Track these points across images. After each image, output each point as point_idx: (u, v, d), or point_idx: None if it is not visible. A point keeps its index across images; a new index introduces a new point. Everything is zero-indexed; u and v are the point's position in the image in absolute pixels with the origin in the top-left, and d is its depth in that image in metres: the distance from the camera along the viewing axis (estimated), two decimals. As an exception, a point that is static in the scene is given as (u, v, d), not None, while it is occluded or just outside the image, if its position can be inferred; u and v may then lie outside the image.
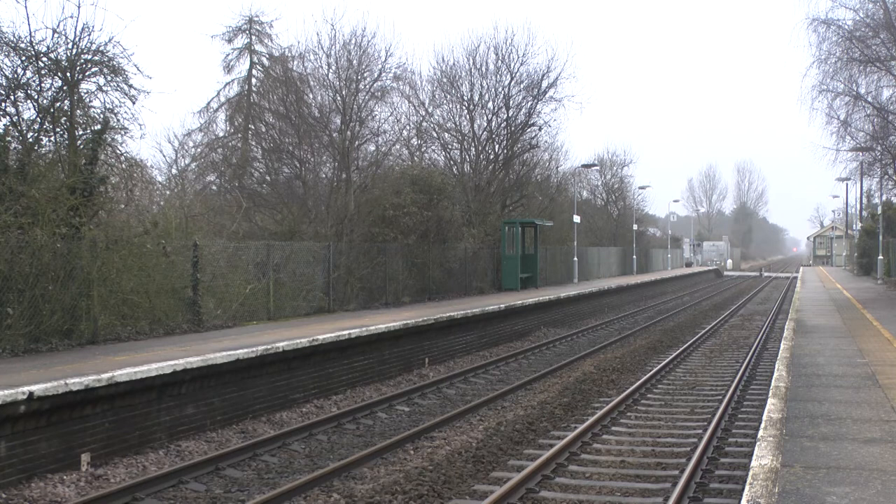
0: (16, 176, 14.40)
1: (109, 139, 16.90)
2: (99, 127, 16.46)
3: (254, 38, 41.84)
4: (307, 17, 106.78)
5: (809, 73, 40.37)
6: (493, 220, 33.88)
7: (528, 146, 37.45)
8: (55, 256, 13.66)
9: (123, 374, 10.71)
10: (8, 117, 15.80)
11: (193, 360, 11.94)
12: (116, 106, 16.87)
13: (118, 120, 16.94)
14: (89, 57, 16.61)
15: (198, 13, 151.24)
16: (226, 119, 41.41)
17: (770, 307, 38.06)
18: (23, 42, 15.87)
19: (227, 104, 41.34)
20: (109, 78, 16.87)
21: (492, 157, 36.24)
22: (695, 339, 24.21)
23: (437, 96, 35.82)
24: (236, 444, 11.59)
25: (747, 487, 6.07)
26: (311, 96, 29.92)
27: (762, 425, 8.08)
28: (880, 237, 41.63)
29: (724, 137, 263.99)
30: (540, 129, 37.01)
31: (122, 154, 17.69)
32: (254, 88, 40.46)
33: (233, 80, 41.78)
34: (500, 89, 35.77)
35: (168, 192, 26.88)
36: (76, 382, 10.03)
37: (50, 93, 16.24)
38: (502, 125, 35.99)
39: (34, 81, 16.08)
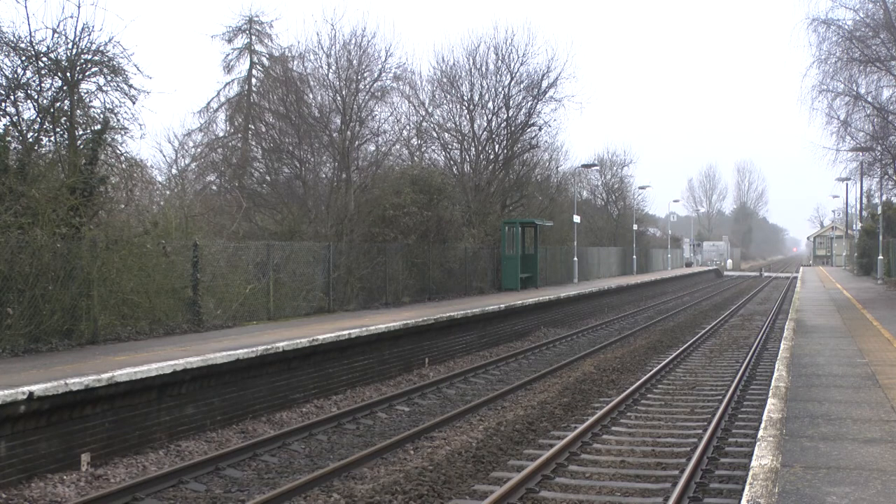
0: (16, 176, 14.40)
1: (109, 139, 16.91)
2: (99, 127, 16.46)
3: (254, 38, 41.84)
4: (307, 17, 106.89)
5: (809, 73, 40.49)
6: (493, 220, 33.88)
7: (528, 146, 37.46)
8: (55, 256, 13.66)
9: (123, 374, 10.71)
10: (8, 117, 15.82)
11: (193, 360, 11.93)
12: (116, 106, 16.90)
13: (118, 120, 16.96)
14: (89, 57, 16.61)
15: (198, 13, 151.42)
16: (226, 119, 41.42)
17: (770, 307, 38.06)
18: (23, 42, 15.89)
19: (227, 104, 41.33)
20: (109, 78, 16.88)
21: (492, 157, 36.24)
22: (695, 339, 24.21)
23: (437, 96, 35.86)
24: (236, 444, 11.59)
25: (747, 487, 6.07)
26: (311, 96, 29.94)
27: (762, 425, 8.08)
28: (880, 237, 41.63)
29: (724, 137, 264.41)
30: (540, 129, 37.06)
31: (122, 154, 17.70)
32: (254, 88, 40.46)
33: (233, 80, 41.82)
34: (500, 89, 35.80)
35: (168, 192, 26.88)
36: (76, 382, 10.03)
37: (50, 93, 16.25)
38: (502, 125, 36.00)
39: (34, 81, 16.09)
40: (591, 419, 12.60)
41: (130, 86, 17.00)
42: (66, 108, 16.34)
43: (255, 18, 41.62)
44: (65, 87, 16.27)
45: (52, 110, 16.14)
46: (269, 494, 9.10)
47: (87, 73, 16.65)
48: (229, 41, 41.57)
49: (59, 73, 16.20)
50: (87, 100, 16.82)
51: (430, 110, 35.67)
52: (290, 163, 29.59)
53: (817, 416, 8.51)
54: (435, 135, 36.05)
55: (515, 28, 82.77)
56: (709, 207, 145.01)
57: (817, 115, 33.61)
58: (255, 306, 18.94)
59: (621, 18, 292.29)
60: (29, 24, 17.69)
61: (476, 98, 35.71)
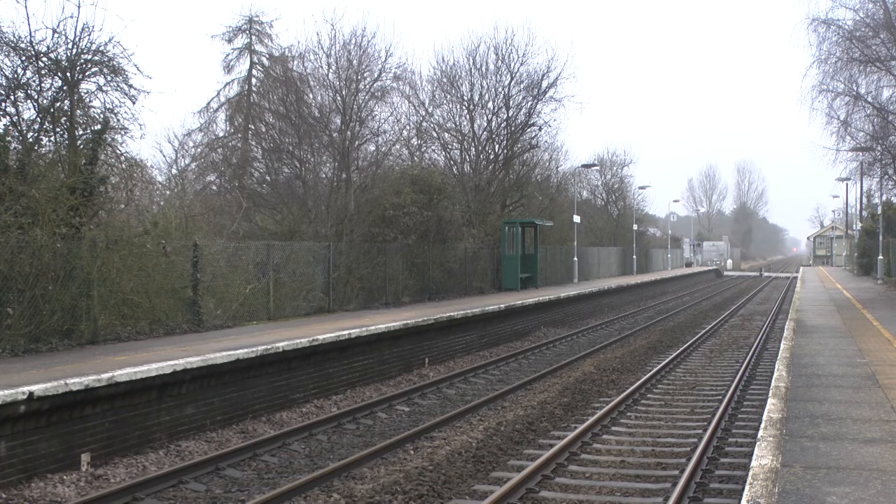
0: (16, 176, 14.40)
1: (109, 139, 16.91)
2: (99, 127, 16.46)
3: (254, 38, 41.85)
4: (307, 17, 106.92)
5: (809, 73, 40.48)
6: (493, 220, 33.88)
7: (528, 146, 37.46)
8: (55, 256, 13.66)
9: (123, 374, 10.71)
10: (8, 117, 15.82)
11: (193, 360, 11.94)
12: (116, 106, 16.90)
13: (118, 120, 16.96)
14: (89, 57, 16.61)
15: (198, 13, 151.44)
16: (226, 119, 41.42)
17: (770, 307, 38.06)
18: (23, 42, 15.89)
19: (227, 104, 41.33)
20: (109, 78, 16.88)
21: (492, 157, 36.24)
22: (695, 339, 24.21)
23: (437, 96, 35.86)
24: (236, 444, 11.59)
25: (747, 487, 6.07)
26: (311, 96, 29.94)
27: (762, 425, 8.08)
28: (880, 237, 41.64)
29: (724, 137, 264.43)
30: (540, 129, 37.06)
31: (122, 154, 17.71)
32: (254, 88, 40.46)
33: (233, 80, 41.82)
34: (500, 89, 35.80)
35: (168, 192, 26.89)
36: (76, 382, 10.03)
37: (50, 93, 16.25)
38: (502, 125, 36.00)
39: (34, 81, 16.09)
40: (591, 419, 12.60)
41: (130, 86, 17.03)
42: (66, 108, 16.34)
43: (255, 18, 41.67)
44: (65, 87, 16.27)
45: (52, 110, 16.14)
46: (269, 494, 9.10)
47: (87, 73, 16.66)
48: (229, 41, 41.61)
49: (59, 73, 16.21)
50: (87, 100, 16.84)
51: (430, 110, 35.71)
52: (290, 163, 29.60)
53: (817, 416, 8.51)
54: (435, 135, 36.07)
55: (515, 28, 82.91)
56: (709, 207, 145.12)
57: (817, 115, 33.67)
58: (255, 306, 18.94)
59: (621, 18, 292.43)
60: (29, 24, 17.72)
61: (476, 98, 35.75)
